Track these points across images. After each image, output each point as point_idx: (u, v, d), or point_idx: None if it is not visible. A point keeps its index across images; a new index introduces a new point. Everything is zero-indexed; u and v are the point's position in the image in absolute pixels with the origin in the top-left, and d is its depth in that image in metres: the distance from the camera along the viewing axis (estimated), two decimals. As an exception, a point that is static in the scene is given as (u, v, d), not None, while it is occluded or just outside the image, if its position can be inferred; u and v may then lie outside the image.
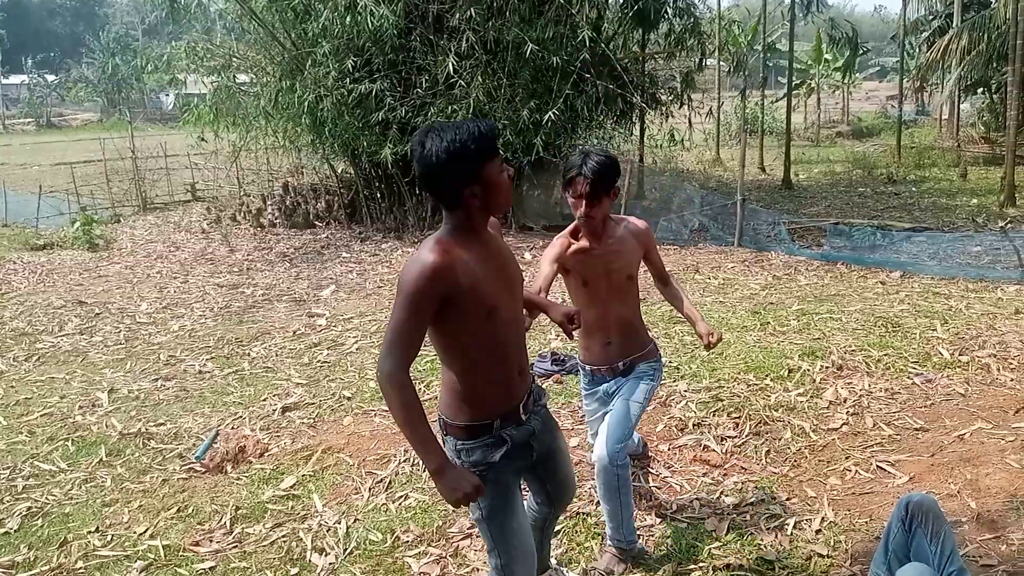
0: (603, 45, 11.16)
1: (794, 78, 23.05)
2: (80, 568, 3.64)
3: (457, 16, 10.27)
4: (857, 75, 34.75)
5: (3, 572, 3.63)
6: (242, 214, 13.61)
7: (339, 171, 13.40)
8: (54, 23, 79.76)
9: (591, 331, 3.43)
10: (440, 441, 2.33)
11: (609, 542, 3.42)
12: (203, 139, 13.96)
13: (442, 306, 2.22)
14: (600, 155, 3.13)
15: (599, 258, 3.32)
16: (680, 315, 3.66)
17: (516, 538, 2.48)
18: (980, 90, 23.23)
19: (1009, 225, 10.19)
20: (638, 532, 3.65)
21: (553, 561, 3.27)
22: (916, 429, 4.50)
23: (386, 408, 5.09)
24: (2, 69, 64.91)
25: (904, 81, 24.94)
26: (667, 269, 3.69)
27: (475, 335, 2.33)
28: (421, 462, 2.35)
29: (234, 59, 12.78)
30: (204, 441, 4.82)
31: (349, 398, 5.44)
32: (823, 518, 3.69)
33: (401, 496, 4.11)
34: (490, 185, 2.26)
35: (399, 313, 2.20)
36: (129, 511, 4.13)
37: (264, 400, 5.51)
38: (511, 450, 2.44)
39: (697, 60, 13.51)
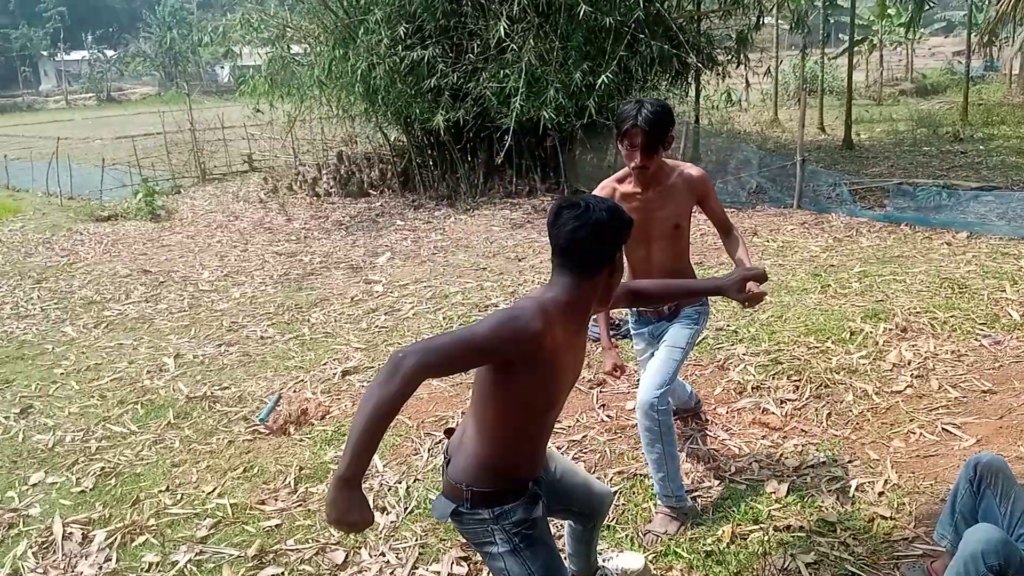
0: (657, 4, 10.93)
1: (856, 35, 22.31)
2: (152, 525, 3.77)
3: (508, -22, 10.16)
4: (922, 30, 33.48)
5: (80, 527, 3.78)
6: (298, 184, 13.79)
7: (392, 139, 13.46)
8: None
9: (636, 274, 3.44)
10: (459, 515, 2.21)
11: (660, 501, 3.42)
12: (259, 110, 14.12)
13: (511, 366, 2.05)
14: (655, 104, 3.07)
15: (645, 203, 3.30)
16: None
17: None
18: (1054, 43, 22.21)
19: (1084, 182, 9.78)
20: (697, 495, 3.65)
21: (600, 559, 3.11)
22: (983, 391, 4.40)
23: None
24: (63, 46, 66.44)
25: (972, 36, 23.95)
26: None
27: (528, 413, 2.19)
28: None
29: (287, 29, 12.85)
30: (267, 404, 4.94)
31: (407, 362, 5.50)
32: (886, 480, 3.63)
33: (459, 457, 4.16)
34: (616, 272, 2.21)
35: (469, 336, 1.98)
36: (197, 471, 4.27)
37: (324, 364, 5.61)
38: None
39: (755, 18, 13.15)
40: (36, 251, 10.25)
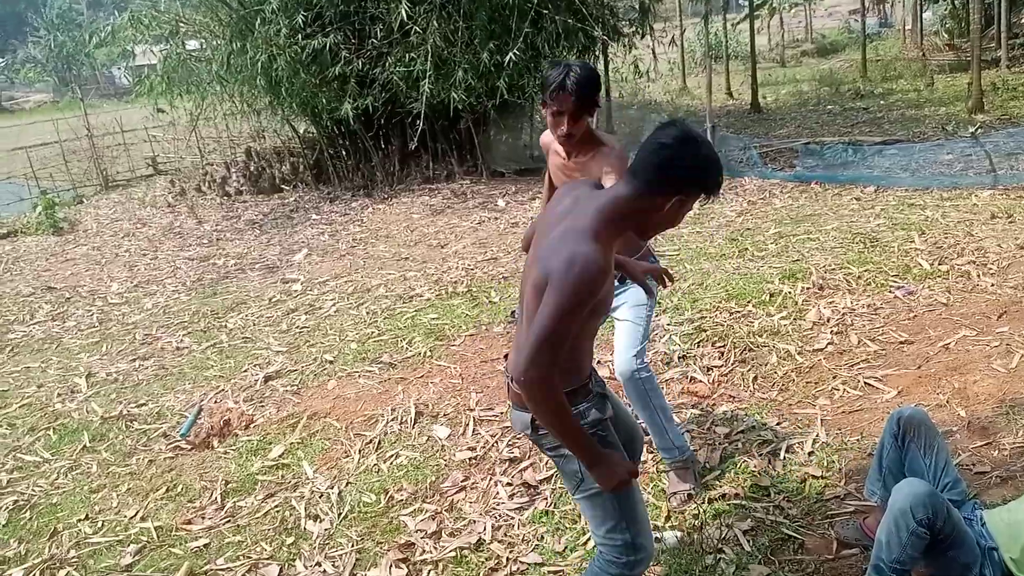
0: (559, -22, 10.88)
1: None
2: (73, 557, 3.59)
3: (407, -40, 9.95)
4: (818, -9, 34.33)
5: (-6, 568, 3.57)
6: (207, 184, 13.31)
7: (301, 132, 13.11)
8: (-7, 3, 77.11)
9: None
10: (535, 424, 2.25)
11: (665, 459, 3.45)
12: (161, 111, 13.56)
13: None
14: (583, 67, 2.93)
15: (566, 170, 3.24)
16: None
17: (640, 506, 2.34)
18: (941, -3, 23.04)
19: (979, 131, 10.15)
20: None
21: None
22: (901, 343, 4.51)
23: (370, 369, 5.06)
24: (-56, 55, 62.90)
25: (865, -7, 24.65)
26: None
27: (584, 337, 2.25)
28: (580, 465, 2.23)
29: (181, 24, 12.33)
30: (188, 418, 4.75)
31: (331, 362, 5.37)
32: (815, 439, 3.69)
33: (392, 455, 4.07)
34: (676, 212, 2.11)
35: (558, 314, 1.98)
36: (118, 495, 4.08)
37: (245, 371, 5.43)
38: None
39: (656, -12, 13.23)
40: (-72, 276, 9.66)
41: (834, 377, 4.24)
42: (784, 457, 3.59)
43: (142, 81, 12.98)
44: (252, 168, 13.02)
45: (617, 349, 3.32)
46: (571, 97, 2.89)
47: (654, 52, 14.20)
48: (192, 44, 12.65)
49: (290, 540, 3.51)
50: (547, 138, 3.33)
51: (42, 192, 12.96)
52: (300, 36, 10.09)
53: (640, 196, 2.06)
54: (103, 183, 15.46)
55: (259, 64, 10.16)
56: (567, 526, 3.34)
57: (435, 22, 9.92)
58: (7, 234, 11.72)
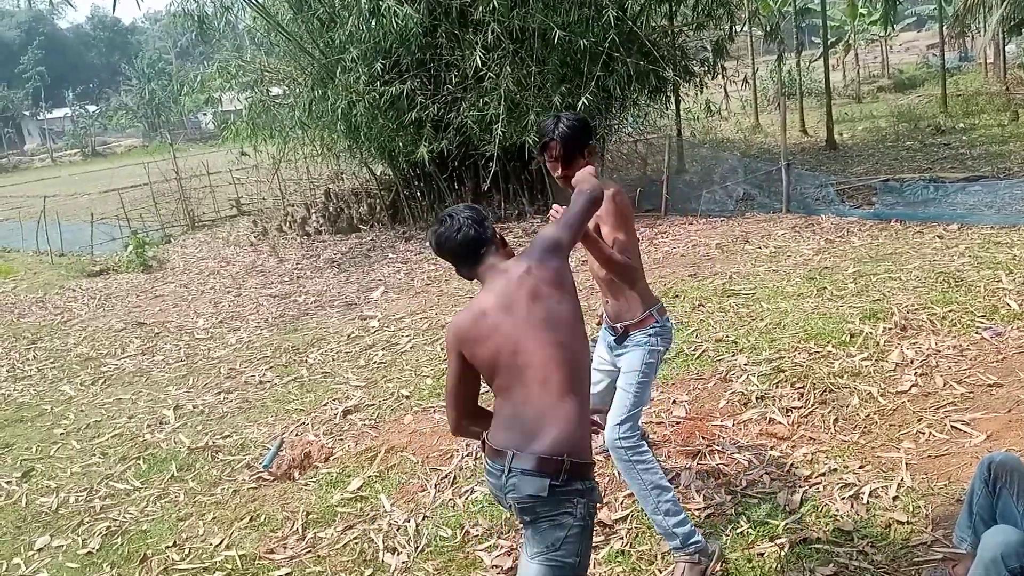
0: (630, 23, 11.00)
1: (829, 36, 22.48)
2: (162, 583, 3.71)
3: (480, 8, 10.20)
4: (894, 26, 33.76)
5: (89, 592, 3.72)
6: (287, 224, 13.77)
7: (378, 173, 13.47)
8: (90, 55, 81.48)
9: (598, 285, 3.46)
10: (555, 486, 2.27)
11: (671, 549, 3.20)
12: (245, 154, 14.13)
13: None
14: (571, 117, 3.20)
15: None
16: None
17: None
18: (1025, 30, 22.39)
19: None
20: (708, 512, 3.59)
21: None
22: (990, 385, 4.36)
23: (443, 404, 5.14)
24: (45, 104, 66.58)
25: (943, 28, 24.15)
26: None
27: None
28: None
29: (266, 73, 12.89)
30: (270, 450, 4.88)
31: (407, 397, 5.46)
32: (899, 484, 3.59)
33: (467, 491, 4.11)
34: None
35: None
36: (204, 524, 4.21)
37: (325, 405, 5.56)
38: None
39: (727, 29, 13.24)
40: (29, 311, 10.19)
41: (919, 420, 4.12)
42: (868, 501, 3.50)
43: (228, 127, 13.57)
44: (331, 209, 13.41)
45: (607, 417, 3.25)
46: (558, 144, 3.14)
47: (726, 91, 14.16)
48: (276, 91, 13.19)
49: (368, 571, 3.57)
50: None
51: (133, 232, 13.58)
52: (378, 83, 10.42)
53: (496, 253, 2.52)
54: (190, 223, 16.13)
55: (339, 110, 10.51)
56: (643, 568, 3.31)
57: (508, 67, 10.13)
58: (100, 272, 12.32)
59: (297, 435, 5.11)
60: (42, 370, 7.51)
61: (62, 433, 5.82)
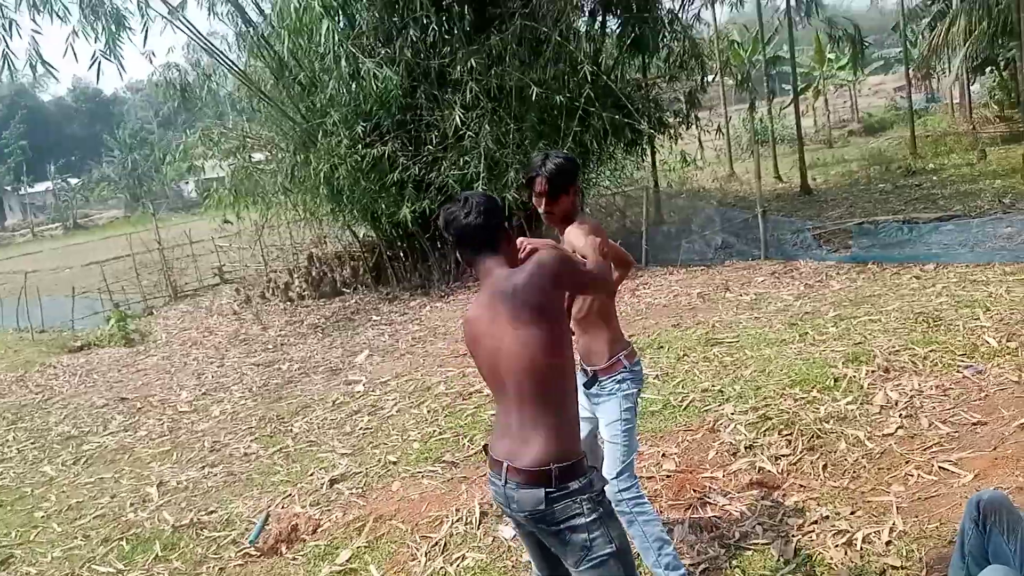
0: (604, 77, 11.23)
1: (799, 82, 22.99)
2: (147, 669, 3.61)
3: (458, 68, 10.41)
4: (862, 71, 34.60)
5: None
6: (270, 290, 13.76)
7: (361, 236, 13.53)
8: (72, 127, 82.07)
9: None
10: (550, 493, 2.36)
11: None
12: (228, 221, 14.18)
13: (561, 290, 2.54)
14: (559, 156, 3.28)
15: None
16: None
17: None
18: (988, 69, 23.00)
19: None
20: (703, 567, 3.55)
21: None
22: (974, 424, 4.38)
23: (433, 469, 5.09)
24: (27, 179, 66.72)
25: (909, 71, 24.79)
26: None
27: (571, 368, 2.51)
28: None
29: (248, 139, 13.03)
30: (256, 524, 4.79)
31: (395, 462, 5.41)
32: (892, 528, 3.57)
33: (458, 558, 4.04)
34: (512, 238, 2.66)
35: (592, 250, 2.81)
36: (190, 605, 4.11)
37: (311, 475, 5.49)
38: None
39: (699, 80, 13.54)
40: (9, 390, 10.05)
41: (907, 462, 4.12)
42: (861, 548, 3.48)
43: (211, 194, 13.64)
44: (314, 273, 13.43)
45: (602, 472, 3.24)
46: (544, 180, 3.23)
47: (700, 141, 14.44)
48: (258, 156, 13.30)
49: (360, 647, 3.48)
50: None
51: (115, 305, 13.54)
52: (360, 145, 10.55)
53: (498, 253, 2.50)
54: (172, 294, 16.08)
55: (321, 174, 10.62)
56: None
57: (487, 125, 10.30)
58: (82, 347, 12.20)
59: (283, 508, 5.02)
60: (22, 451, 7.38)
61: (43, 516, 5.69)
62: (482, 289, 2.53)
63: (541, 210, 3.33)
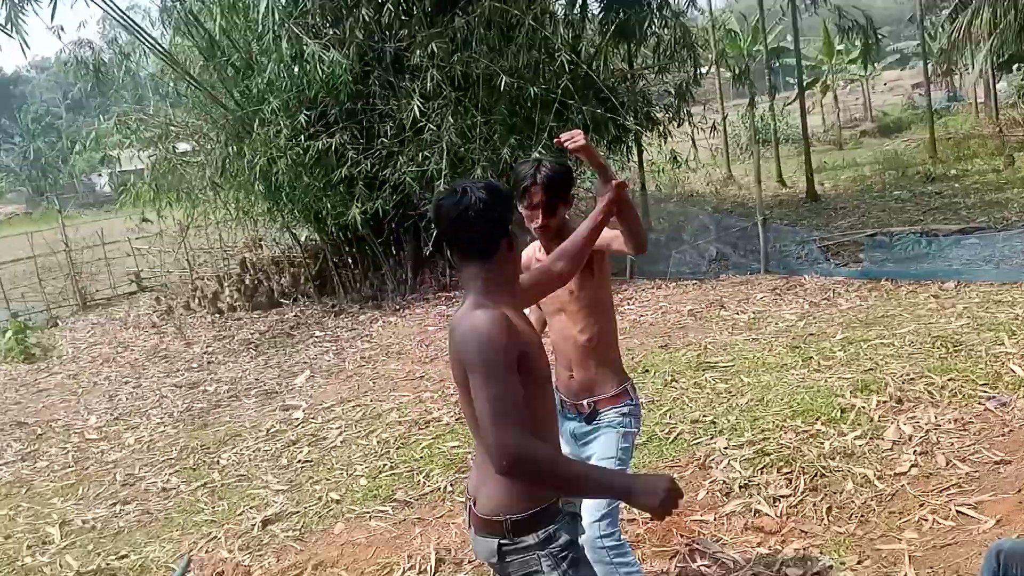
0: (584, 67, 11.33)
1: (805, 76, 23.35)
2: None
3: (418, 53, 10.44)
4: (875, 65, 35.19)
5: None
6: (196, 300, 13.63)
7: (303, 239, 13.48)
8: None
9: (558, 354, 3.42)
10: (504, 546, 2.36)
11: None
12: (147, 220, 14.04)
13: (524, 359, 2.31)
14: (553, 162, 3.28)
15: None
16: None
17: None
18: (1016, 66, 23.54)
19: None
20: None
21: None
22: (996, 462, 4.46)
23: (382, 508, 5.07)
24: (-91, 168, 65.57)
25: (928, 66, 25.26)
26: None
27: (536, 405, 2.37)
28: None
29: (172, 127, 12.94)
30: (175, 571, 4.75)
31: (338, 501, 5.38)
32: (903, 580, 3.62)
33: (410, 610, 4.03)
34: (514, 243, 2.46)
35: (490, 381, 2.22)
36: (94, 665, 4.05)
37: (241, 515, 5.44)
38: None
39: (692, 72, 13.70)
40: None
41: (921, 505, 4.19)
42: (868, 602, 3.53)
43: (127, 189, 13.52)
44: (247, 281, 13.33)
45: (583, 510, 3.28)
46: (541, 190, 3.22)
47: (693, 139, 14.57)
48: (183, 147, 13.21)
49: None
50: (529, 252, 3.47)
51: (12, 315, 13.29)
52: (303, 137, 10.52)
53: (489, 263, 2.39)
54: (81, 303, 15.86)
55: (257, 168, 10.57)
56: None
57: (450, 117, 10.33)
58: (-27, 364, 11.99)
59: (207, 552, 4.97)
60: (-100, 484, 7.23)
61: (-77, 560, 5.58)
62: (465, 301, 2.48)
63: (535, 225, 3.28)
